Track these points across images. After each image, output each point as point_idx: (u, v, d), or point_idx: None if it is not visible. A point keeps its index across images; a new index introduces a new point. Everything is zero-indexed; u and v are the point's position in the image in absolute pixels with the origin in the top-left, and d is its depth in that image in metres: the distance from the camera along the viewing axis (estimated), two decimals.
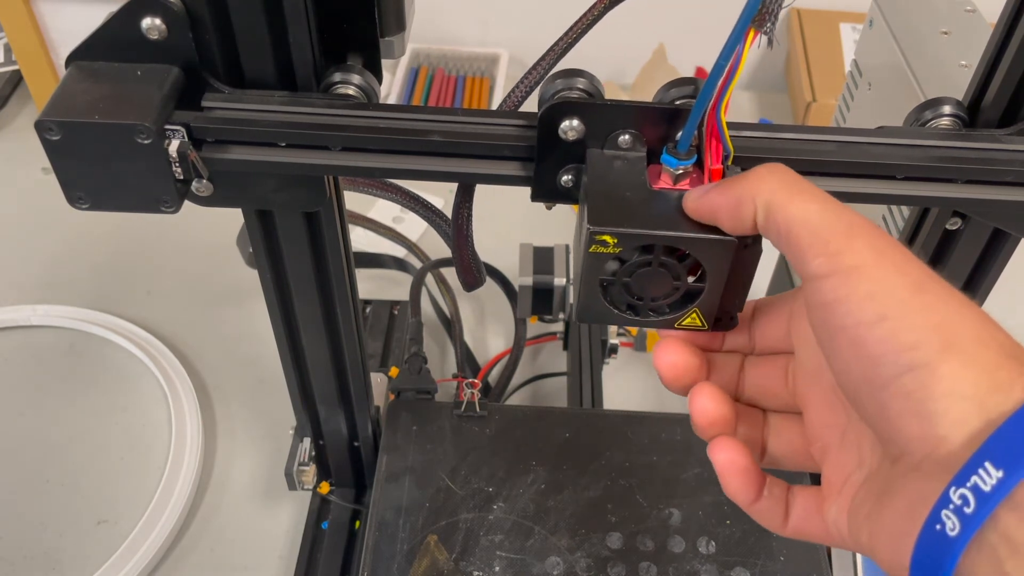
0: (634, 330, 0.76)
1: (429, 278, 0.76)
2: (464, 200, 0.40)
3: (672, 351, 0.34)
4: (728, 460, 0.32)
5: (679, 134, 0.33)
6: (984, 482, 0.23)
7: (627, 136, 0.34)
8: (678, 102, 0.34)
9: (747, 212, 0.30)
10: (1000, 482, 0.22)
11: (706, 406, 0.33)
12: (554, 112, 0.34)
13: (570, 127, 0.34)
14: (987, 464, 0.23)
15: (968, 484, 0.23)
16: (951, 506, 0.24)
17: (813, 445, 0.33)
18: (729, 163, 0.33)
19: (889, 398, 0.26)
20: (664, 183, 0.33)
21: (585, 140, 0.35)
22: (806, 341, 0.33)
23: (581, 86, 0.35)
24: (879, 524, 0.27)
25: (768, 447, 0.35)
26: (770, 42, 0.29)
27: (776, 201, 0.29)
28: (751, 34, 0.29)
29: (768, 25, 0.29)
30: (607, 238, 0.31)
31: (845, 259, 0.27)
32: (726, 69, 0.30)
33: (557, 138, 0.34)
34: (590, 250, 0.32)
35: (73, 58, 0.35)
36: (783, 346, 0.35)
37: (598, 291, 0.33)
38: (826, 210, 0.28)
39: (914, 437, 0.25)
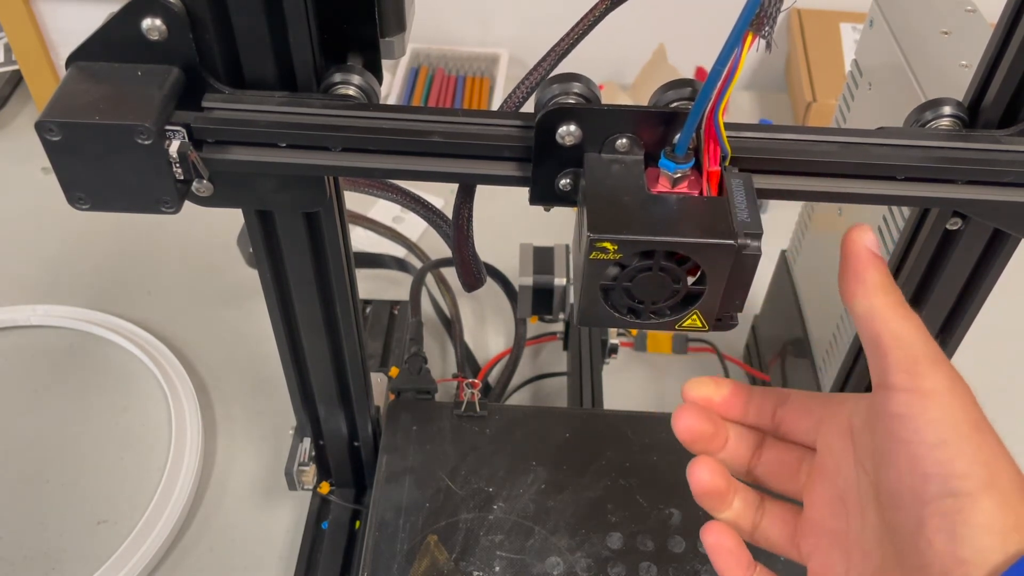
0: (634, 330, 0.76)
1: (429, 278, 0.77)
2: (465, 201, 0.40)
3: (690, 417, 0.37)
4: (716, 542, 0.36)
5: (676, 137, 0.33)
6: None
7: (624, 140, 0.34)
8: (675, 104, 0.34)
9: (855, 291, 0.33)
10: None
11: (703, 477, 0.36)
12: (551, 118, 0.34)
13: (567, 132, 0.34)
14: None
15: None
16: None
17: (804, 539, 0.36)
18: (727, 164, 0.33)
19: (928, 514, 0.28)
20: (662, 186, 0.33)
21: (582, 145, 0.34)
22: (831, 448, 0.35)
23: (577, 91, 0.34)
24: None
25: (759, 527, 0.38)
26: (768, 45, 0.29)
27: (882, 310, 0.32)
28: (749, 37, 0.29)
29: (766, 28, 0.29)
30: (607, 244, 0.31)
31: (925, 382, 0.30)
32: (724, 73, 0.30)
33: (554, 143, 0.34)
34: (590, 257, 0.32)
35: (73, 58, 0.35)
36: (804, 440, 0.37)
37: (599, 296, 0.33)
38: (919, 332, 0.31)
39: (939, 553, 0.28)
